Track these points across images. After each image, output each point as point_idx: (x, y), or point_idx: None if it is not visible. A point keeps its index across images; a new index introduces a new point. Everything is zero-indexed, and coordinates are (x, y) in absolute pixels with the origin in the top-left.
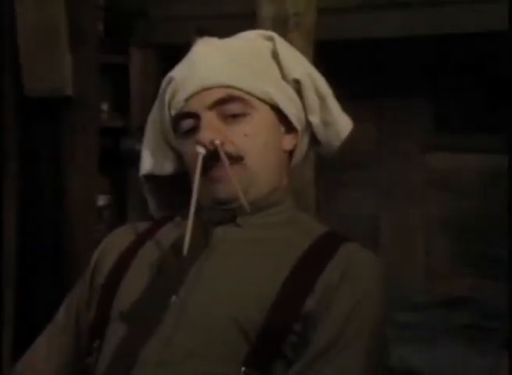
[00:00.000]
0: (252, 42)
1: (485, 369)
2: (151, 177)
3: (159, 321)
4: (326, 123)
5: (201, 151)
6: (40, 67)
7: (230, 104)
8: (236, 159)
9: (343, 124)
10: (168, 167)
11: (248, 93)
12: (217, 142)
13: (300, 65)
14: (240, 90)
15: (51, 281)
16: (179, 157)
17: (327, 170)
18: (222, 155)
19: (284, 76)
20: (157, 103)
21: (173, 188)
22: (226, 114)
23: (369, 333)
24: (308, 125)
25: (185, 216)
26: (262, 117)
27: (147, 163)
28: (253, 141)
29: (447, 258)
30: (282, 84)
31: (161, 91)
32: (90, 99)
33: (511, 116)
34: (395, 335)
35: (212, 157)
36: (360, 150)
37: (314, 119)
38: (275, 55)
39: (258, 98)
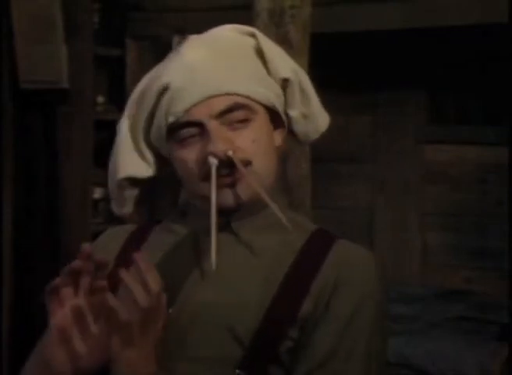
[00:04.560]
0: (236, 41)
1: (481, 361)
2: (128, 180)
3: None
4: (306, 117)
5: (215, 161)
6: (35, 60)
7: (235, 111)
8: (246, 165)
9: (322, 118)
10: (149, 170)
11: (250, 98)
12: (230, 153)
13: (286, 62)
14: (244, 96)
15: (49, 278)
16: (158, 160)
17: (323, 163)
18: (239, 165)
19: (270, 73)
20: (143, 107)
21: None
22: (231, 121)
23: (370, 337)
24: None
25: (174, 222)
26: (262, 120)
27: (127, 166)
28: (259, 146)
29: (443, 251)
30: (270, 82)
31: (150, 96)
32: (86, 92)
33: (510, 109)
34: (391, 327)
35: (223, 166)
36: (356, 143)
37: (294, 113)
38: (259, 52)
39: (258, 102)
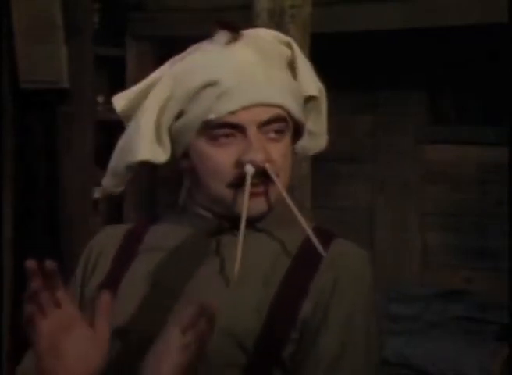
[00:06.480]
0: (277, 49)
1: (481, 361)
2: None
3: (156, 336)
4: (310, 134)
5: (251, 170)
6: (35, 60)
7: (276, 123)
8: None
9: (323, 138)
10: (164, 156)
11: (289, 114)
12: (267, 165)
13: (314, 79)
14: (285, 110)
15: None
16: (172, 149)
17: (323, 163)
18: (275, 178)
19: (299, 87)
20: (179, 94)
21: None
22: (268, 131)
23: (369, 331)
24: None
25: (172, 222)
26: (290, 136)
27: (146, 149)
28: (287, 161)
29: (443, 251)
30: (300, 97)
31: (191, 86)
32: (86, 92)
33: (511, 109)
34: (391, 327)
35: (256, 176)
36: (356, 143)
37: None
38: (291, 64)
39: (292, 117)
